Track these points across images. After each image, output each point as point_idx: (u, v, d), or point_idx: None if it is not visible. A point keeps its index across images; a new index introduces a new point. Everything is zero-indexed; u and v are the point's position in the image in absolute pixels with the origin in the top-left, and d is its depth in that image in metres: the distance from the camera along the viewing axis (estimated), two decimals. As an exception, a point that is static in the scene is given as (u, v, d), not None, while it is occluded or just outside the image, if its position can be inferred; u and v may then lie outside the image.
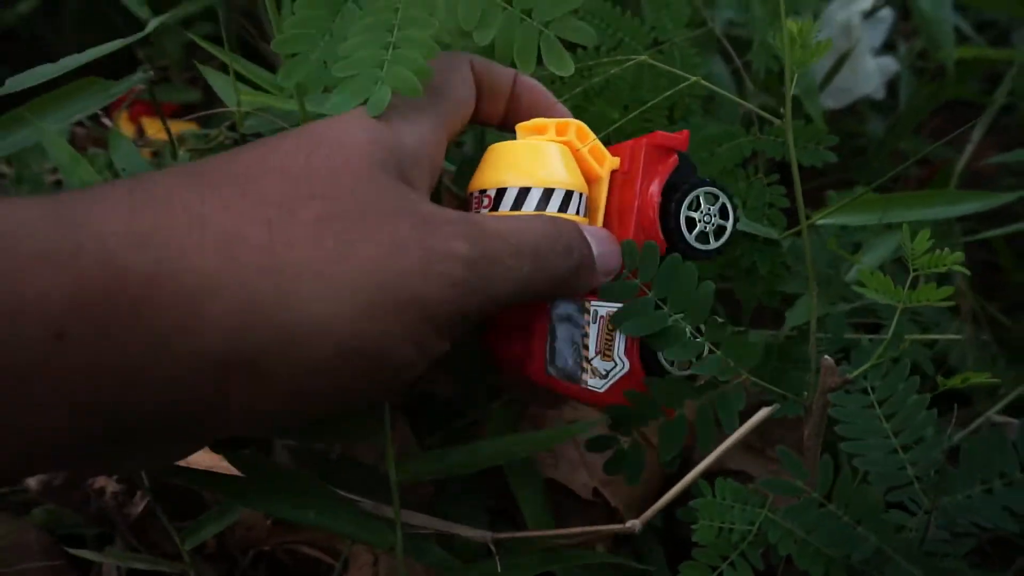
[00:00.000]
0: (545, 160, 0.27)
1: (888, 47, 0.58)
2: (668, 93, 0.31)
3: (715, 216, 0.28)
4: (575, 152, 0.28)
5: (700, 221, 0.28)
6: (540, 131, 0.28)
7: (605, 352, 0.27)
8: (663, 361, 0.27)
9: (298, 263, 0.20)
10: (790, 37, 0.24)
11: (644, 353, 0.27)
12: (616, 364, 0.27)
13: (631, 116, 0.31)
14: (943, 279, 0.36)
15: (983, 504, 0.21)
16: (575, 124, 0.28)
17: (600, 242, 0.26)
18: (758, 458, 0.36)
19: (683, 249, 0.28)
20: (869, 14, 0.54)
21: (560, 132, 0.28)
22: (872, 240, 0.37)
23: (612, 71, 0.35)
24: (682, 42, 0.39)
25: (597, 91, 0.37)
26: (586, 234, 0.26)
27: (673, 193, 0.28)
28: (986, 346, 0.36)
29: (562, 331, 0.27)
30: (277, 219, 0.20)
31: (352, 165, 0.22)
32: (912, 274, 0.23)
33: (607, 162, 0.28)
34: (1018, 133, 0.50)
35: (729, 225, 0.28)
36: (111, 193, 0.20)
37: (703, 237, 0.28)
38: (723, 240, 0.28)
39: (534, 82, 0.28)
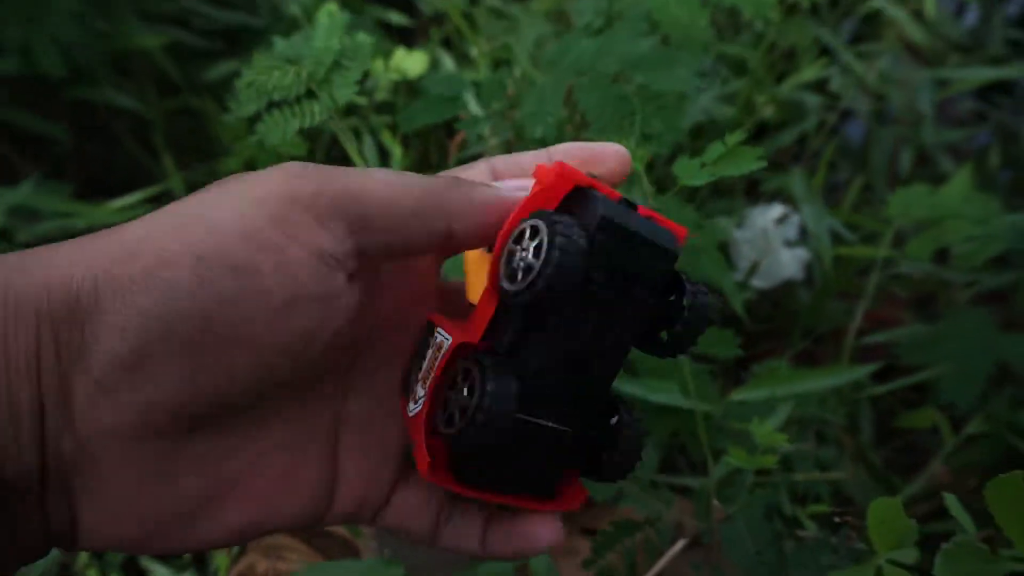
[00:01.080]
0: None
1: (802, 240, 0.76)
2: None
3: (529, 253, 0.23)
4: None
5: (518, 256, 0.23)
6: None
7: (424, 379, 0.26)
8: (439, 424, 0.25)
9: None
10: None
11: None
12: (421, 397, 0.25)
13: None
14: (823, 430, 0.51)
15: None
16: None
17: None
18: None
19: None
20: (781, 219, 0.72)
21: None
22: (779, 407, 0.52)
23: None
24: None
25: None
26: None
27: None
28: (867, 479, 0.50)
29: (423, 344, 0.26)
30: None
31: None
32: (760, 448, 0.38)
33: None
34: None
35: (537, 265, 0.22)
36: None
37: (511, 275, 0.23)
38: (528, 281, 0.22)
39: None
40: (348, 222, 0.23)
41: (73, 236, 0.23)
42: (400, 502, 0.28)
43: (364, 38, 0.43)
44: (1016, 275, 0.52)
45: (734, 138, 0.34)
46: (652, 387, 0.50)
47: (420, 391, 0.25)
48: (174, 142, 0.77)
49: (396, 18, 0.86)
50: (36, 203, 0.54)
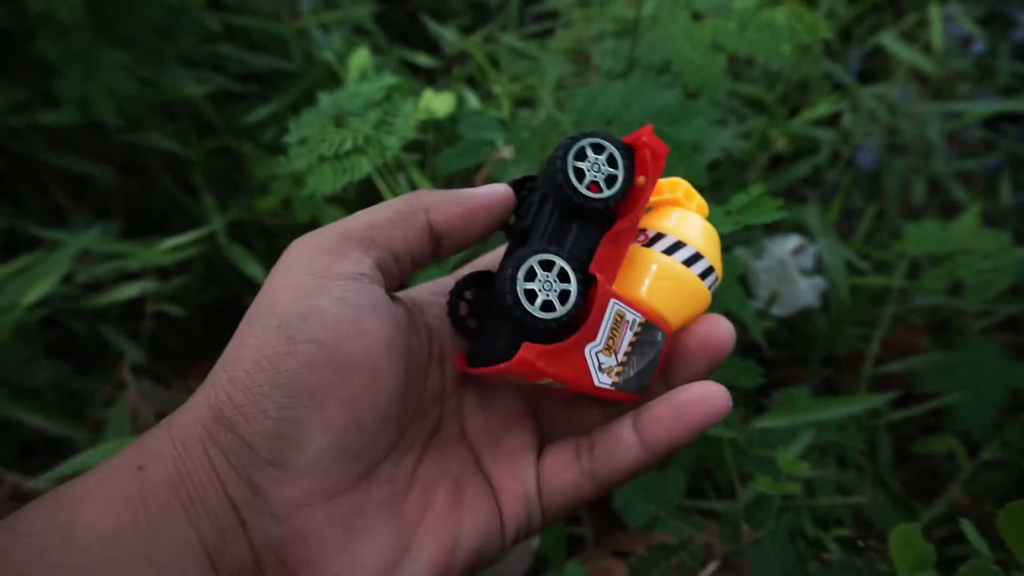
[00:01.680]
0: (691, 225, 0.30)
1: (819, 270, 0.78)
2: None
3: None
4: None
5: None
6: (672, 192, 0.32)
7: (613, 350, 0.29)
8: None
9: None
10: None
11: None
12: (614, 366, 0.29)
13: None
14: (843, 455, 0.53)
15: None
16: (683, 184, 0.32)
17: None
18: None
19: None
20: (798, 250, 0.74)
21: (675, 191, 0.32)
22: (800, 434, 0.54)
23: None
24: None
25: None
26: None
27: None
28: (887, 504, 0.52)
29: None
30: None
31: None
32: (785, 476, 0.40)
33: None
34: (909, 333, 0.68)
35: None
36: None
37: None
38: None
39: None
40: (360, 247, 0.28)
41: (127, 276, 0.29)
42: (550, 475, 0.30)
43: (408, 107, 0.46)
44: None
45: (756, 189, 0.37)
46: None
47: (610, 360, 0.28)
48: (211, 179, 0.80)
49: (422, 59, 0.89)
50: (91, 245, 0.57)
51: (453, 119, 0.82)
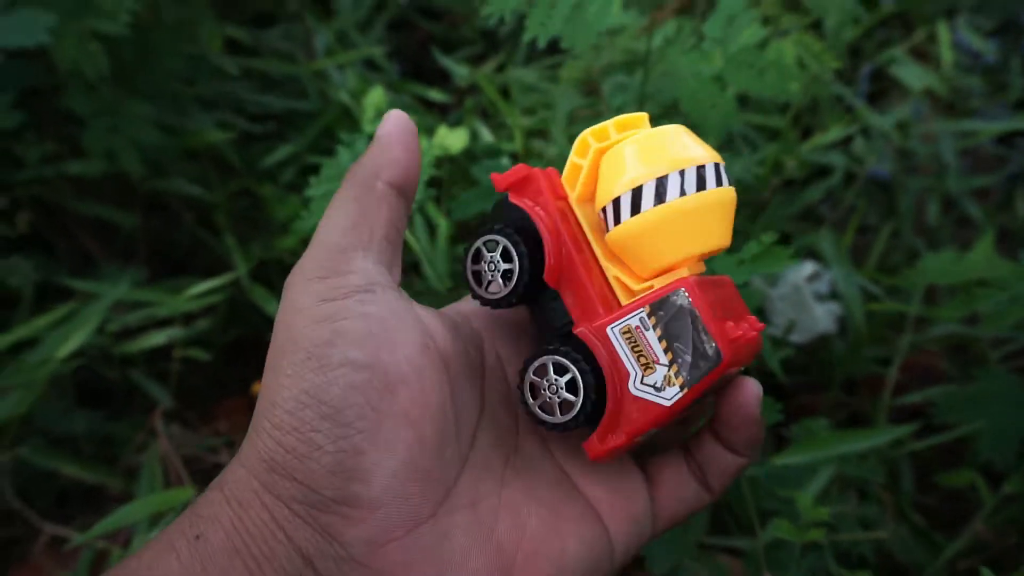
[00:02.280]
0: (669, 143, 0.27)
1: (835, 295, 0.78)
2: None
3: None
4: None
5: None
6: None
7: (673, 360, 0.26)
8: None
9: None
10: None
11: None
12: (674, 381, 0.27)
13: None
14: (864, 487, 0.53)
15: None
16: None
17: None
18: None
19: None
20: (813, 276, 0.74)
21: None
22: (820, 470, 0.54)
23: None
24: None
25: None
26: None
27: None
28: (909, 537, 0.52)
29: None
30: None
31: None
32: (809, 522, 0.41)
33: None
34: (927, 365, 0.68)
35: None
36: None
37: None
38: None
39: None
40: (355, 253, 0.27)
41: (157, 324, 0.28)
42: (667, 487, 0.29)
43: (423, 145, 0.47)
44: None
45: (767, 237, 0.38)
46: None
47: (659, 373, 0.26)
48: (233, 218, 0.82)
49: (435, 95, 0.91)
50: (123, 295, 0.59)
51: (468, 153, 0.84)
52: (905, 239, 0.85)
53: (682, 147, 0.27)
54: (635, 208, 0.26)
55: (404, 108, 0.91)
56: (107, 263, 0.73)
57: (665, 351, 0.26)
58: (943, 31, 0.86)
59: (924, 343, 0.63)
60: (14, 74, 0.50)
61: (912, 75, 0.88)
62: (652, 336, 0.26)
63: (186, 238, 0.84)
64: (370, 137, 0.81)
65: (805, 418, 0.60)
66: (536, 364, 0.27)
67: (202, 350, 0.63)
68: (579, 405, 0.27)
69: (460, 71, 0.93)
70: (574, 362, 0.27)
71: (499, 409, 0.30)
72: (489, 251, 0.28)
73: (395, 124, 0.29)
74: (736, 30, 0.53)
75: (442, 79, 1.03)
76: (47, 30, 0.48)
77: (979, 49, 0.87)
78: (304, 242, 0.80)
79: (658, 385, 0.26)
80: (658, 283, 0.27)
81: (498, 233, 0.28)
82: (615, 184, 0.27)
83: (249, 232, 0.84)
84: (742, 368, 0.28)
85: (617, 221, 0.27)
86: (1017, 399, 0.51)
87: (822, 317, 0.73)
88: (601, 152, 0.28)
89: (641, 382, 0.26)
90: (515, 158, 0.81)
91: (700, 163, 0.27)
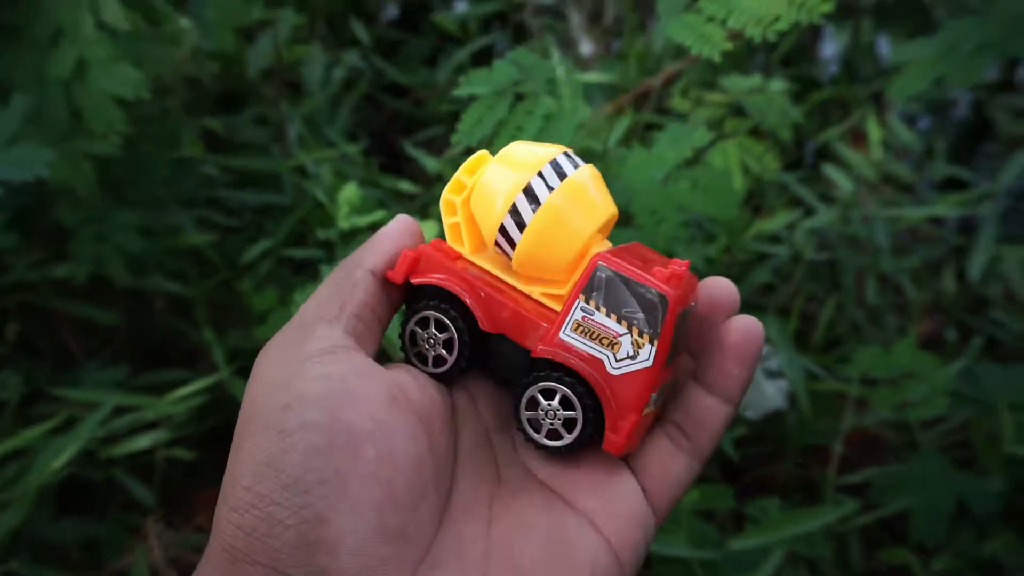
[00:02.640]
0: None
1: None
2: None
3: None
4: None
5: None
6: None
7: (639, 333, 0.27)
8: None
9: None
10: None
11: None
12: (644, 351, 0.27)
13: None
14: (815, 562, 0.58)
15: None
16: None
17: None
18: None
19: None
20: (764, 355, 0.80)
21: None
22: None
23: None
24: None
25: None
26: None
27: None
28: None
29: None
30: None
31: None
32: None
33: None
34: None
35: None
36: None
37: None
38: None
39: None
40: (322, 323, 0.27)
41: (140, 427, 0.29)
42: (658, 472, 0.28)
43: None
44: (966, 416, 0.60)
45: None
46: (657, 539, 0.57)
47: (626, 345, 0.27)
48: (211, 310, 0.85)
49: (405, 186, 0.96)
50: (107, 399, 0.62)
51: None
52: (848, 312, 0.91)
53: (528, 154, 0.29)
54: (520, 224, 0.28)
55: (377, 201, 0.95)
56: (89, 360, 0.75)
57: (619, 322, 0.27)
58: (871, 124, 0.95)
59: (864, 423, 0.69)
60: (9, 200, 0.53)
61: (848, 158, 0.96)
62: (600, 317, 0.27)
63: (165, 329, 0.86)
64: (344, 233, 0.85)
65: (760, 496, 0.64)
66: (526, 399, 0.28)
67: (184, 448, 0.65)
68: (581, 414, 0.27)
69: (428, 162, 0.98)
70: (557, 380, 0.27)
71: (476, 448, 0.29)
72: (423, 328, 0.29)
73: (395, 224, 0.30)
74: (682, 148, 0.59)
75: (413, 164, 1.08)
76: (46, 163, 0.52)
77: (906, 140, 0.96)
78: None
79: (631, 353, 0.27)
80: (577, 274, 0.28)
81: (424, 310, 0.29)
82: (493, 216, 0.28)
83: (227, 322, 0.86)
84: (692, 305, 0.29)
85: (513, 245, 0.28)
86: (946, 479, 0.56)
87: (773, 395, 0.79)
88: (466, 201, 0.30)
89: (616, 360, 0.27)
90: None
91: (551, 158, 0.28)
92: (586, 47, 1.46)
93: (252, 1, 0.94)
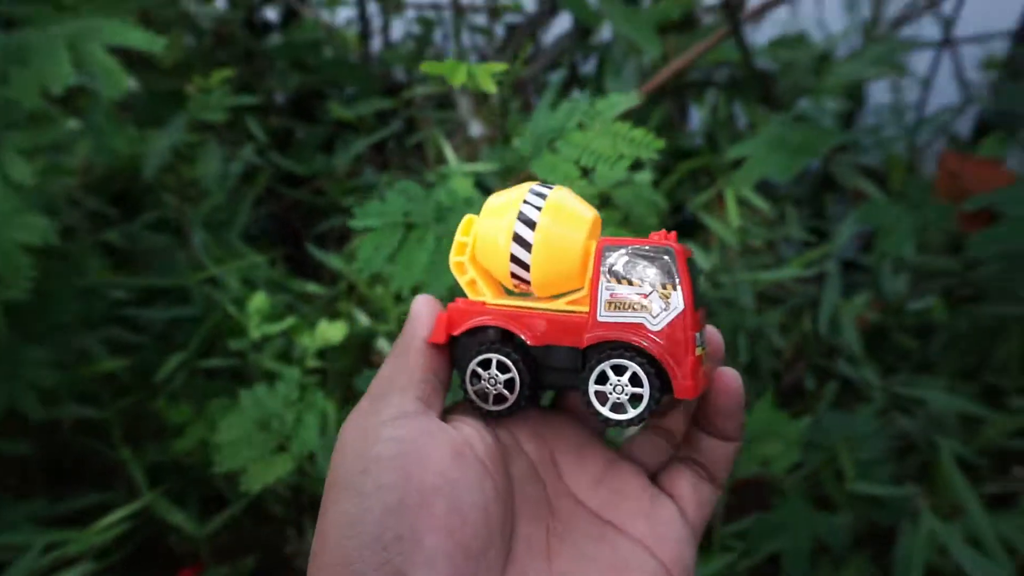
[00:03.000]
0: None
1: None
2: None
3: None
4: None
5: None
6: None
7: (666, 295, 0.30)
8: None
9: None
10: None
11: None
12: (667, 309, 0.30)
13: None
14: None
15: None
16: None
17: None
18: None
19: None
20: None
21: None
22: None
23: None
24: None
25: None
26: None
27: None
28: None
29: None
30: None
31: None
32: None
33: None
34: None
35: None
36: None
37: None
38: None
39: None
40: (394, 394, 0.30)
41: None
42: (691, 502, 0.32)
43: (322, 400, 0.57)
44: (818, 461, 0.71)
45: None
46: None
47: (659, 294, 0.30)
48: (127, 428, 0.86)
49: (312, 287, 1.00)
50: (27, 540, 0.63)
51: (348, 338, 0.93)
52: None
53: (506, 198, 0.33)
54: (527, 246, 0.31)
55: (285, 306, 0.99)
56: (2, 494, 0.75)
57: (640, 286, 0.30)
58: (729, 194, 1.07)
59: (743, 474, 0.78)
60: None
61: (712, 226, 1.08)
62: (624, 289, 0.30)
63: (78, 450, 0.86)
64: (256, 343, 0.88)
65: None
66: (596, 373, 0.30)
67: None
68: (647, 386, 0.29)
69: (332, 260, 1.03)
70: (622, 357, 0.30)
71: (527, 485, 0.31)
72: (484, 369, 0.31)
73: (423, 304, 0.33)
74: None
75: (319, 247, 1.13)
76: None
77: (759, 206, 1.09)
78: (201, 442, 0.85)
79: (663, 307, 0.30)
80: (589, 268, 0.31)
81: (485, 352, 0.31)
82: (501, 252, 0.32)
83: (143, 436, 0.88)
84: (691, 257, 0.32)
85: (527, 268, 0.31)
86: (806, 520, 0.66)
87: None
88: (472, 257, 0.33)
89: (653, 317, 0.30)
90: (390, 338, 0.92)
91: (525, 193, 0.32)
92: (475, 129, 1.56)
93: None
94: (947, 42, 1.48)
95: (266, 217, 1.63)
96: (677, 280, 0.29)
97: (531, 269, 0.32)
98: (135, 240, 1.07)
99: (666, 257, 0.30)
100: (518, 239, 0.31)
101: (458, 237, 0.33)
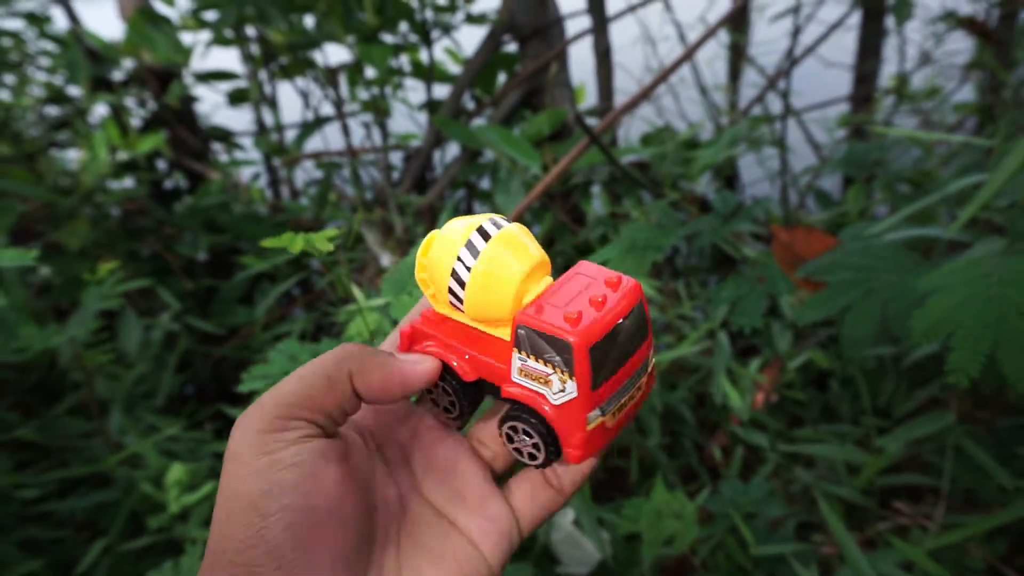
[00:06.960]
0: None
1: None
2: None
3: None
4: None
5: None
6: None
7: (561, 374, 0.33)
8: None
9: None
10: None
11: None
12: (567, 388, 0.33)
13: None
14: None
15: None
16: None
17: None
18: None
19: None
20: (577, 519, 0.92)
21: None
22: None
23: None
24: None
25: None
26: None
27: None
28: None
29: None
30: None
31: None
32: None
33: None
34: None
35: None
36: None
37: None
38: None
39: None
40: (296, 418, 0.32)
41: None
42: (526, 503, 0.36)
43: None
44: (722, 531, 0.75)
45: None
46: None
47: (559, 378, 0.32)
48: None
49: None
50: None
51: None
52: (652, 452, 1.06)
53: (465, 222, 0.35)
54: (461, 284, 0.34)
55: (209, 468, 0.99)
56: None
57: (546, 365, 0.33)
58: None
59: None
60: None
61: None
62: (532, 363, 0.33)
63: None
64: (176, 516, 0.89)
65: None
66: (504, 434, 0.35)
67: None
68: (542, 440, 0.34)
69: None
70: (516, 418, 0.34)
71: (387, 486, 0.36)
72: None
73: (410, 372, 0.35)
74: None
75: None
76: None
77: (650, 295, 1.16)
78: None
79: (561, 388, 0.33)
80: (515, 321, 0.33)
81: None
82: (441, 281, 0.35)
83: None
84: (640, 301, 0.34)
85: (461, 302, 0.35)
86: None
87: (592, 550, 0.90)
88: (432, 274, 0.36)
89: (553, 393, 0.33)
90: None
91: (478, 225, 0.34)
92: (385, 259, 1.63)
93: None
94: (789, 112, 1.64)
95: (193, 377, 1.63)
96: (572, 371, 0.32)
97: (464, 303, 0.35)
98: (52, 431, 1.07)
99: (566, 348, 0.32)
100: (455, 275, 0.34)
101: (419, 257, 0.36)
